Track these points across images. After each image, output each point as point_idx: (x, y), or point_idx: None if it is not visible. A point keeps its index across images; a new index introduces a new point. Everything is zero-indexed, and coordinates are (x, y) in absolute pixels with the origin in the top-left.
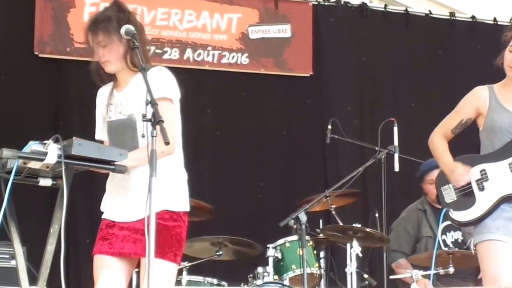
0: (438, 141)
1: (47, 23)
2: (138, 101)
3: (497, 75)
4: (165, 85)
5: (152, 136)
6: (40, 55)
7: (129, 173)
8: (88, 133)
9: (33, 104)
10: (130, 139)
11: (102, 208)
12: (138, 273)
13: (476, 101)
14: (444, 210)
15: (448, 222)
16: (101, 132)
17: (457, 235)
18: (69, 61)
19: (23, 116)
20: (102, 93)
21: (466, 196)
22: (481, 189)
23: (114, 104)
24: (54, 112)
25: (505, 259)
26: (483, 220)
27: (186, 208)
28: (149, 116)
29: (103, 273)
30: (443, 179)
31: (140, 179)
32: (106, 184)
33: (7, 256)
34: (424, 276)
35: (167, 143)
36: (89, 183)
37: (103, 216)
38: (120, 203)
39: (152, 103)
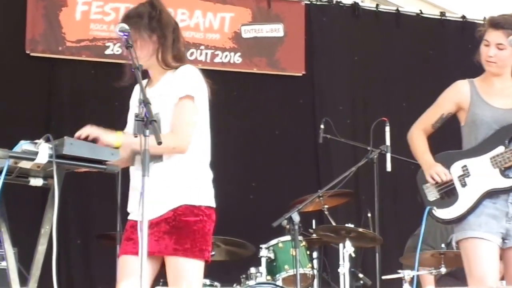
0: (418, 137)
1: (38, 22)
2: (164, 99)
3: None
4: (188, 83)
5: (145, 136)
6: (32, 54)
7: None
8: None
9: (25, 103)
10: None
11: (128, 209)
12: None
13: (457, 95)
14: (428, 208)
15: None
16: (129, 127)
17: None
18: (61, 60)
19: (14, 115)
20: (136, 89)
21: (448, 193)
22: (464, 185)
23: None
24: (46, 111)
25: (489, 258)
26: (466, 217)
27: (210, 203)
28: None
29: (126, 273)
30: (423, 177)
31: (156, 176)
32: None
33: None
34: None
35: (159, 143)
36: (80, 183)
37: (128, 217)
38: (138, 202)
39: (145, 102)
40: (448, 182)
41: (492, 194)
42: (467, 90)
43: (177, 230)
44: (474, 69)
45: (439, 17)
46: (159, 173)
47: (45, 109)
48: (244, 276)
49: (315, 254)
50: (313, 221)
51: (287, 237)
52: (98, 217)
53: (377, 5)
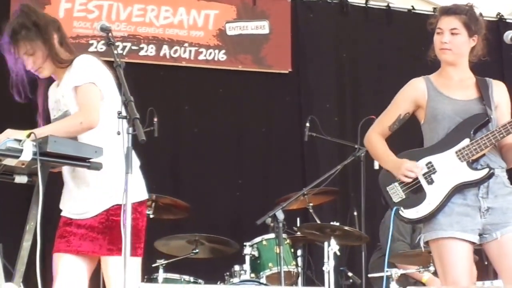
0: (377, 140)
1: None
2: (68, 95)
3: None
4: (83, 72)
5: (128, 134)
6: None
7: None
8: None
9: (9, 101)
10: None
11: (61, 206)
12: None
13: (413, 93)
14: (394, 209)
15: None
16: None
17: None
18: None
19: None
20: (51, 89)
21: (415, 192)
22: (430, 182)
23: (55, 101)
24: (29, 109)
25: (463, 259)
26: (436, 216)
27: (140, 197)
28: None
29: (60, 271)
30: (387, 179)
31: (95, 174)
32: (64, 181)
33: None
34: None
35: (142, 141)
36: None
37: (61, 214)
38: (75, 200)
39: (128, 100)
40: (413, 181)
41: (461, 188)
42: (423, 86)
43: (110, 231)
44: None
45: (432, 13)
46: (95, 173)
47: (29, 107)
48: (228, 273)
49: (299, 252)
50: (298, 219)
51: (271, 235)
52: None
53: (367, 1)
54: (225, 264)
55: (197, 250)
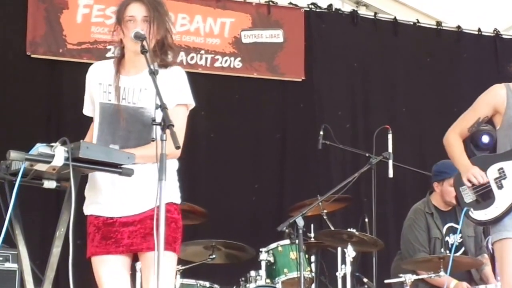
0: (455, 141)
1: (39, 24)
2: (150, 95)
3: (475, 86)
4: (186, 90)
5: (162, 140)
6: (33, 56)
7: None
8: (82, 133)
9: (26, 105)
10: (140, 132)
11: (92, 207)
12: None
13: (493, 99)
14: (465, 209)
15: (450, 224)
16: (90, 109)
17: (455, 238)
18: (62, 62)
19: (15, 117)
20: (98, 70)
21: (485, 195)
22: (500, 187)
23: (117, 87)
24: (46, 113)
25: None
26: (502, 219)
27: (180, 199)
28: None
29: (109, 274)
30: (461, 180)
31: (140, 170)
32: (91, 183)
33: (1, 259)
34: (418, 280)
35: (177, 147)
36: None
37: (97, 214)
38: (120, 197)
39: (162, 107)
40: (484, 184)
41: None
42: (504, 93)
43: (165, 227)
44: (469, 77)
45: (435, 27)
46: (141, 168)
47: (46, 111)
48: (243, 279)
49: (313, 258)
50: (312, 226)
51: (287, 241)
52: None
53: (375, 13)
54: (241, 270)
55: (213, 256)
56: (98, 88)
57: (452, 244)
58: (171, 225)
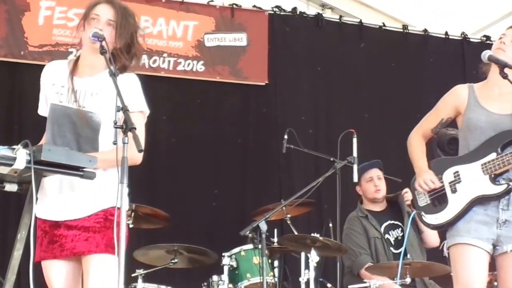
0: (416, 142)
1: (1, 26)
2: (106, 102)
3: (442, 88)
4: (141, 97)
5: (124, 143)
6: None
7: None
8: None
9: None
10: (88, 137)
11: (40, 211)
12: None
13: (455, 100)
14: (413, 213)
15: (388, 222)
16: (44, 109)
17: (397, 233)
18: (23, 64)
19: None
20: (53, 70)
21: (439, 198)
22: (454, 191)
23: (69, 88)
24: (8, 116)
25: (477, 265)
26: (455, 223)
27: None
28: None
29: (57, 279)
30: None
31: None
32: (41, 185)
33: None
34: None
35: (140, 151)
36: None
37: (43, 217)
38: (65, 200)
39: (124, 109)
40: (439, 188)
41: (482, 200)
42: (465, 94)
43: (107, 230)
44: (435, 82)
45: (402, 30)
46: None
47: (7, 114)
48: (206, 284)
49: (276, 263)
50: (275, 230)
51: (250, 246)
52: None
53: (341, 16)
54: (203, 274)
55: (176, 260)
56: (51, 88)
57: (394, 240)
58: (112, 228)
